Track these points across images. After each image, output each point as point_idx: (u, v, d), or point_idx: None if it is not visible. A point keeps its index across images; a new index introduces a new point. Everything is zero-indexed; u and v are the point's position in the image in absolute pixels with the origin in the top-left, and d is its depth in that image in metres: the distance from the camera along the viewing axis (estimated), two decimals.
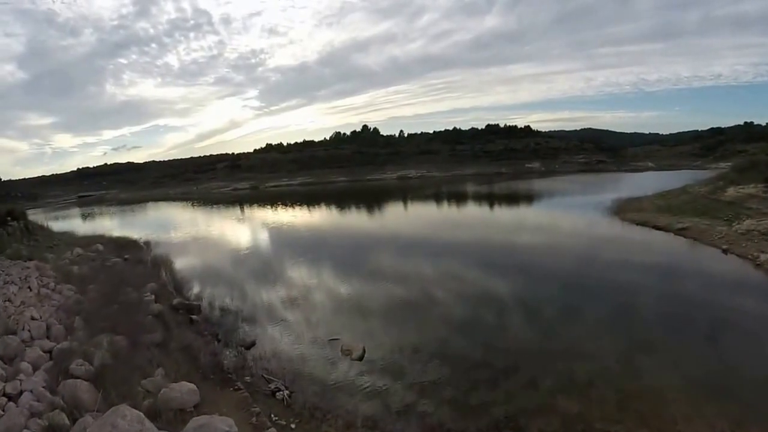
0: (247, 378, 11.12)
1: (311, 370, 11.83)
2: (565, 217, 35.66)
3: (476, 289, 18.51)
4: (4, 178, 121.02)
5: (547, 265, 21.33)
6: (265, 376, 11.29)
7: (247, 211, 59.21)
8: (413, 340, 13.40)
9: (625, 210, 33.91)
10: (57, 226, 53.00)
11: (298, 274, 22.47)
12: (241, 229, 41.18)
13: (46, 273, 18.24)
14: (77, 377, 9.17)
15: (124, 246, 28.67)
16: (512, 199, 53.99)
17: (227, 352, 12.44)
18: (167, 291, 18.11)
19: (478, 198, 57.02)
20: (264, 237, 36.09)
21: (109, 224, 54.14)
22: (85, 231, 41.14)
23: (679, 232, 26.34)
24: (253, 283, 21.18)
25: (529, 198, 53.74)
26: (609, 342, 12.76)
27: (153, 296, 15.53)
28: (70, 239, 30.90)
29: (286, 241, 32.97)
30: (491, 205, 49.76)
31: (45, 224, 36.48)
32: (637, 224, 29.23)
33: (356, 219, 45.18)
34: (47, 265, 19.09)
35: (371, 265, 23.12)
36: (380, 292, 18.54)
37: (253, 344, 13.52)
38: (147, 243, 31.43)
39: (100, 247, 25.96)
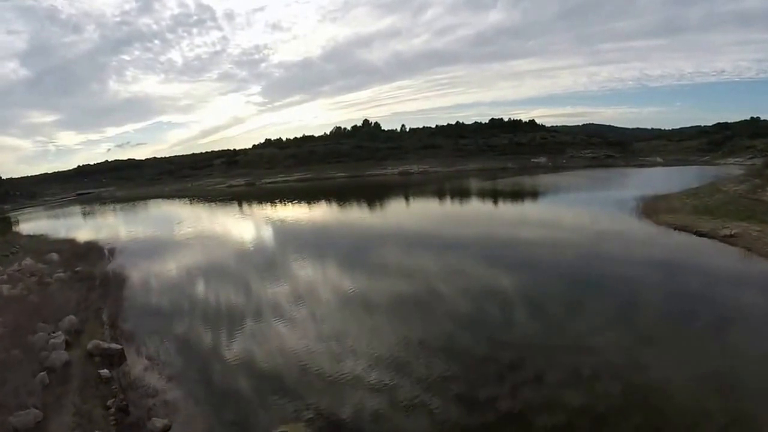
0: None
1: None
2: (592, 220, 31.55)
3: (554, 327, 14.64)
4: (6, 176, 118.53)
5: (598, 283, 18.47)
6: None
7: (238, 209, 56.06)
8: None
9: (656, 211, 30.69)
10: (37, 227, 50.19)
11: (267, 300, 18.41)
12: (221, 234, 36.96)
13: None
14: None
15: (84, 254, 25.49)
16: (527, 198, 50.64)
17: None
18: (97, 323, 14.84)
19: (489, 196, 53.36)
20: (242, 244, 31.91)
21: (91, 225, 51.27)
22: (59, 234, 37.90)
23: (727, 239, 23.22)
24: (209, 311, 17.36)
25: (545, 197, 50.31)
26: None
27: (66, 336, 12.09)
28: (34, 245, 27.91)
29: (264, 249, 29.47)
30: (506, 206, 45.72)
31: (14, 228, 33.51)
32: (676, 229, 26.03)
33: (350, 220, 41.78)
34: None
35: (360, 293, 19.00)
36: (363, 340, 14.34)
37: (167, 430, 9.61)
38: (111, 250, 28.09)
39: (55, 256, 22.93)
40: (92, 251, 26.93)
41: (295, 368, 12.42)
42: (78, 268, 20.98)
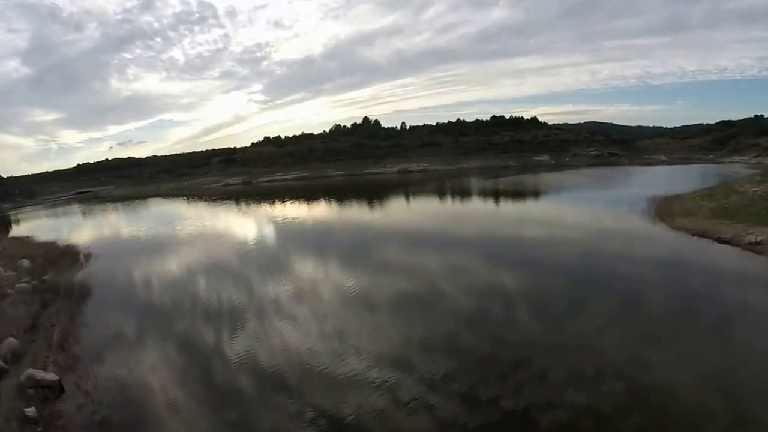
0: None
1: None
2: (603, 223, 29.52)
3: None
4: (7, 175, 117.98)
5: (613, 292, 16.68)
6: None
7: (230, 208, 54.35)
8: None
9: (670, 213, 28.89)
10: (29, 227, 48.87)
11: (245, 317, 16.01)
12: (208, 236, 34.21)
13: None
14: None
15: (57, 260, 23.81)
16: (531, 198, 48.56)
17: None
18: (44, 345, 12.99)
19: (491, 195, 51.52)
20: (228, 247, 29.17)
21: (80, 225, 49.95)
22: (46, 235, 36.18)
23: (751, 247, 21.33)
24: (178, 329, 15.08)
25: (550, 197, 48.20)
26: None
27: (2, 363, 10.39)
28: (14, 248, 26.19)
29: (250, 253, 27.39)
30: (509, 207, 43.51)
31: (6, 229, 32.09)
32: (695, 234, 24.18)
33: (340, 219, 40.11)
34: None
35: (351, 293, 17.65)
36: (363, 339, 13.46)
37: None
38: (87, 255, 26.24)
39: (25, 263, 21.34)
40: (67, 256, 25.11)
41: (287, 385, 10.70)
42: (45, 277, 19.21)
